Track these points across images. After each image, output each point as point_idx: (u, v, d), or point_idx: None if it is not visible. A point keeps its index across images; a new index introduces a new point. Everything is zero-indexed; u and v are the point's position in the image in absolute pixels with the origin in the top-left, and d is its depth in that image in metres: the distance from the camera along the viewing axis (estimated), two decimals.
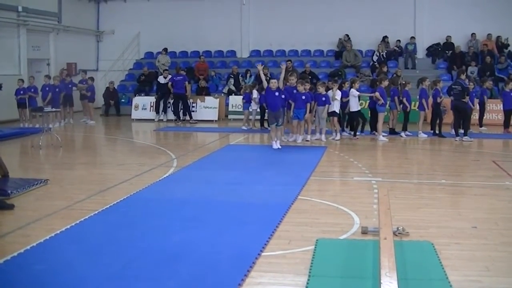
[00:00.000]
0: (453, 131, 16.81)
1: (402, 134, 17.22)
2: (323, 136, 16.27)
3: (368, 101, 18.13)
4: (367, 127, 17.60)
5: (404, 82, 17.97)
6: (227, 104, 23.36)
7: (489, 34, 24.85)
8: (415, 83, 18.10)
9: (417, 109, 17.67)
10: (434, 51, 25.75)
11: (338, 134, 16.46)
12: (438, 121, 17.17)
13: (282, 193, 9.37)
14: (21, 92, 20.41)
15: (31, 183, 10.04)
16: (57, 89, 20.85)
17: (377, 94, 16.58)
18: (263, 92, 17.82)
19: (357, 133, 16.89)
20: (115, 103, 25.13)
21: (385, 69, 21.44)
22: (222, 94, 24.10)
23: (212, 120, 22.50)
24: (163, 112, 23.13)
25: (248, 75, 24.32)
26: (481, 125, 19.04)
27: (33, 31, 24.17)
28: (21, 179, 10.34)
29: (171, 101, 22.75)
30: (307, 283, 5.49)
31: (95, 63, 29.44)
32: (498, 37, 24.83)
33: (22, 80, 20.79)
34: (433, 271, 5.80)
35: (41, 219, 7.90)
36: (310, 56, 26.90)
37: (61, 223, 7.55)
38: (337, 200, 8.90)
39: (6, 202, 8.66)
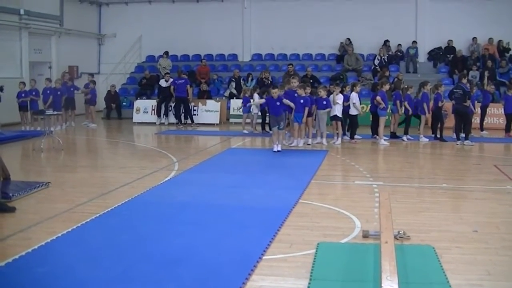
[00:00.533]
0: (454, 135, 16.82)
1: (404, 138, 17.22)
2: (324, 140, 16.28)
3: (369, 105, 18.15)
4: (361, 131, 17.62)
5: (406, 86, 17.99)
6: (228, 108, 23.39)
7: (490, 38, 24.88)
8: (417, 87, 18.10)
9: (418, 113, 17.64)
10: (435, 55, 25.77)
11: (339, 138, 16.46)
12: (439, 125, 17.17)
13: (283, 197, 9.36)
14: (23, 95, 20.42)
15: (33, 186, 10.04)
16: (58, 92, 20.87)
17: (378, 98, 16.59)
18: (265, 96, 17.90)
19: (354, 137, 16.95)
20: (117, 107, 25.15)
21: (386, 73, 21.49)
22: (224, 98, 24.13)
23: (214, 124, 22.52)
24: (164, 116, 23.17)
25: (249, 78, 24.33)
26: (482, 129, 19.04)
27: (35, 34, 24.22)
28: (23, 182, 10.35)
29: (173, 105, 22.77)
30: (308, 287, 5.49)
31: (96, 66, 29.49)
32: (500, 41, 24.87)
33: (24, 83, 20.81)
34: (434, 275, 5.80)
35: (42, 222, 7.91)
36: (312, 60, 26.94)
37: (62, 226, 7.55)
38: (338, 204, 8.90)
39: (8, 205, 8.66)
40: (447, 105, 18.05)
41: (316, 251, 6.50)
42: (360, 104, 17.46)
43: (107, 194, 9.80)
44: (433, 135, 17.32)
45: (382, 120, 16.66)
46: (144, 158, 14.64)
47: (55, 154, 14.90)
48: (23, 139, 17.72)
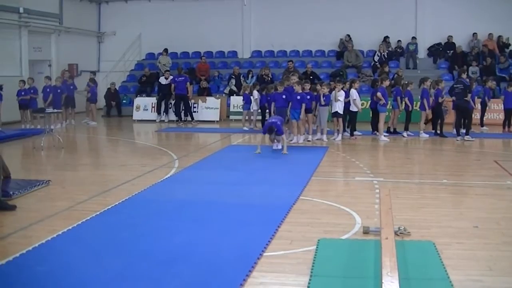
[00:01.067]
0: (454, 131, 16.82)
1: (404, 134, 17.22)
2: (324, 136, 16.29)
3: (369, 101, 18.15)
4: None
5: (407, 82, 17.98)
6: (228, 105, 23.39)
7: (490, 33, 24.85)
8: (417, 83, 18.08)
9: (418, 109, 17.65)
10: (435, 51, 25.74)
11: (340, 135, 16.46)
12: (439, 121, 17.17)
13: (284, 194, 9.36)
14: (23, 93, 20.40)
15: (33, 184, 10.05)
16: (58, 90, 20.87)
17: (379, 94, 16.60)
18: (264, 93, 17.94)
19: (354, 133, 16.96)
20: (117, 104, 25.17)
21: (386, 69, 21.47)
22: (224, 95, 24.12)
23: (214, 121, 22.52)
24: (164, 113, 23.17)
25: (249, 75, 24.34)
26: (482, 124, 19.04)
27: (35, 33, 24.21)
28: (23, 180, 10.35)
29: (173, 102, 22.77)
30: (309, 283, 5.49)
31: (96, 64, 29.48)
32: (499, 36, 24.83)
33: (24, 82, 20.78)
34: (434, 271, 5.80)
35: (43, 220, 7.91)
36: (312, 56, 26.91)
37: (62, 224, 7.55)
38: (338, 200, 8.90)
39: (8, 203, 8.66)
40: (447, 100, 18.02)
41: (317, 247, 6.50)
42: (360, 100, 17.45)
43: (108, 192, 9.80)
44: (433, 131, 17.33)
45: (382, 116, 16.67)
46: (144, 155, 14.64)
47: (55, 152, 14.90)
48: (23, 137, 17.74)
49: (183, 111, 22.39)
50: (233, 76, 24.40)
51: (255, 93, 19.16)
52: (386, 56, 24.70)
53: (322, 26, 26.21)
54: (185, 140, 18.35)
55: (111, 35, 29.44)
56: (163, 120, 22.98)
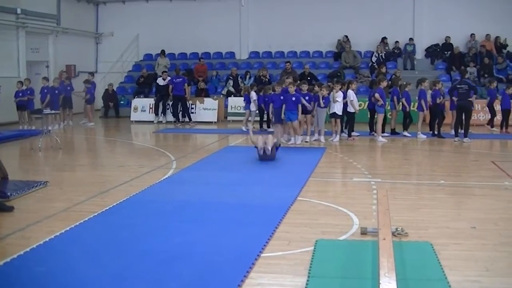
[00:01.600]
0: (452, 131, 16.84)
1: (405, 133, 17.27)
2: (322, 137, 16.28)
3: (367, 102, 18.17)
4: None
5: (405, 83, 18.00)
6: (226, 106, 23.37)
7: (487, 34, 24.89)
8: (415, 83, 18.09)
9: (416, 110, 17.67)
10: (433, 51, 25.77)
11: (337, 136, 16.47)
12: (437, 122, 17.19)
13: (282, 194, 9.37)
14: (20, 94, 20.38)
15: (31, 185, 10.04)
16: (56, 91, 20.85)
17: (377, 95, 16.62)
18: (262, 94, 17.95)
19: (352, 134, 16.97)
20: (114, 105, 25.16)
21: (383, 69, 21.47)
22: (221, 96, 24.09)
23: (211, 122, 22.52)
24: (162, 114, 23.15)
25: (247, 76, 24.35)
26: (492, 125, 18.90)
27: (32, 33, 24.21)
28: (21, 181, 10.34)
29: (170, 103, 22.76)
30: (307, 284, 5.49)
31: (94, 65, 29.48)
32: (497, 37, 24.86)
33: (22, 83, 20.75)
34: (432, 272, 5.81)
35: (41, 221, 7.91)
36: (309, 57, 26.94)
37: (61, 225, 7.55)
38: (336, 201, 8.91)
39: (6, 204, 8.65)
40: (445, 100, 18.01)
41: (315, 248, 6.51)
42: (358, 101, 17.47)
43: (106, 192, 9.80)
44: (431, 132, 17.35)
45: (380, 117, 16.69)
46: (142, 156, 14.65)
47: (53, 153, 14.89)
48: (21, 138, 17.71)
49: (180, 112, 22.38)
50: (231, 77, 24.40)
51: (253, 94, 19.16)
52: (383, 57, 24.72)
53: (320, 27, 26.25)
54: (183, 141, 18.35)
55: (109, 36, 29.45)
56: (161, 121, 22.96)
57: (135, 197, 9.30)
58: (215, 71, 26.26)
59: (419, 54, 25.90)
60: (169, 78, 22.81)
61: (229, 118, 23.10)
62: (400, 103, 17.50)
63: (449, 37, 25.29)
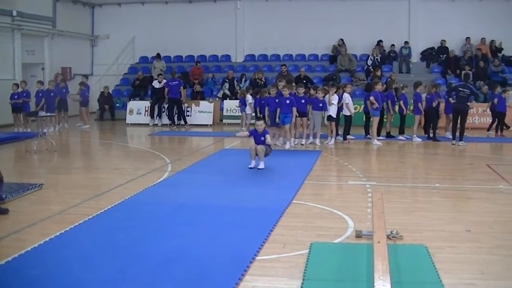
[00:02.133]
0: (447, 135, 16.87)
1: (401, 137, 17.30)
2: (317, 140, 16.29)
3: (363, 105, 18.18)
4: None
5: (402, 86, 18.04)
6: (222, 109, 23.39)
7: (483, 38, 24.98)
8: (412, 87, 18.10)
9: (411, 113, 17.69)
10: (428, 55, 25.85)
11: (333, 139, 16.48)
12: (432, 125, 17.22)
13: (277, 197, 9.37)
14: (16, 96, 20.37)
15: (26, 187, 10.02)
16: (52, 94, 20.82)
17: (372, 98, 16.64)
18: (258, 97, 17.94)
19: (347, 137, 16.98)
20: (110, 108, 25.14)
21: (378, 73, 21.51)
22: (217, 99, 24.09)
23: (207, 125, 22.51)
24: (157, 117, 23.15)
25: (243, 79, 24.37)
26: (501, 130, 18.87)
27: (28, 36, 24.18)
28: (16, 184, 10.32)
29: (166, 106, 22.76)
30: (301, 287, 5.50)
31: (89, 68, 29.45)
32: (492, 41, 24.94)
33: (17, 85, 20.73)
34: (427, 275, 5.81)
35: (36, 223, 7.89)
36: (305, 60, 26.97)
37: (56, 228, 7.54)
38: (331, 204, 8.92)
39: (1, 206, 8.62)
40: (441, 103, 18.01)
41: (309, 251, 6.51)
42: (353, 104, 17.50)
43: (101, 195, 9.79)
44: (426, 135, 17.37)
45: (375, 120, 16.71)
46: (137, 159, 14.63)
47: (48, 156, 14.86)
48: (16, 140, 17.68)
49: (176, 115, 22.37)
50: (227, 80, 24.42)
51: (249, 97, 19.16)
52: (379, 60, 24.76)
53: (316, 30, 26.32)
54: (178, 144, 18.35)
55: (105, 39, 29.42)
56: (156, 124, 22.96)
57: (130, 200, 9.29)
58: (211, 74, 26.32)
59: (415, 58, 25.99)
60: (164, 80, 22.82)
61: (224, 121, 23.12)
62: (396, 106, 17.53)
63: (444, 40, 25.38)
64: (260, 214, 8.30)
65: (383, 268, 4.78)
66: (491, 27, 24.66)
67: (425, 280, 5.70)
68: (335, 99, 16.42)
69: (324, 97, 16.42)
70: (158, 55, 26.54)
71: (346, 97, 16.81)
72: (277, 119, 15.77)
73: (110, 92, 25.71)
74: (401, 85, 18.25)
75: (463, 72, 22.39)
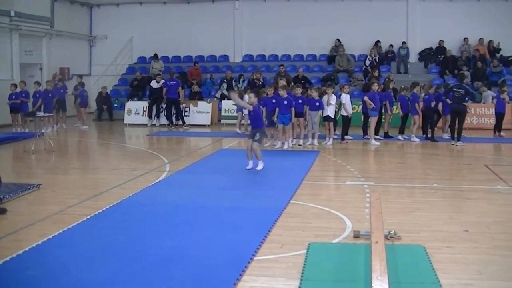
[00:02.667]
0: (445, 135, 16.89)
1: (400, 137, 17.30)
2: (315, 141, 16.28)
3: (361, 106, 18.19)
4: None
5: (402, 86, 18.05)
6: (220, 109, 23.39)
7: (480, 38, 24.99)
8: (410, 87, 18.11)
9: (409, 114, 17.70)
10: (426, 55, 25.86)
11: (331, 139, 16.47)
12: (429, 126, 17.24)
13: (275, 197, 9.38)
14: (14, 97, 20.33)
15: (24, 188, 10.02)
16: (50, 94, 20.78)
17: (365, 98, 16.72)
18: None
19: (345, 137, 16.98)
20: (108, 108, 25.12)
21: (376, 73, 21.52)
22: (215, 99, 24.09)
23: (205, 125, 22.50)
24: (156, 117, 23.13)
25: (241, 80, 24.37)
26: (500, 130, 18.87)
27: (26, 36, 24.15)
28: (14, 184, 10.30)
29: (164, 106, 22.74)
30: (299, 287, 5.50)
31: (88, 68, 29.41)
32: (490, 41, 24.95)
33: (15, 85, 20.71)
34: (424, 275, 5.82)
35: (33, 224, 7.88)
36: (303, 60, 26.95)
37: (53, 228, 7.54)
38: (329, 204, 8.92)
39: None
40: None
41: (307, 251, 6.51)
42: (352, 105, 17.50)
43: (99, 195, 9.78)
44: (424, 136, 17.39)
45: (373, 121, 16.71)
46: (135, 159, 14.62)
47: (46, 156, 14.85)
48: (14, 141, 17.66)
49: (174, 115, 22.37)
50: (225, 80, 24.41)
51: (246, 97, 19.12)
52: (377, 60, 24.77)
53: (314, 30, 26.31)
54: (176, 144, 18.34)
55: (103, 39, 29.39)
56: (155, 124, 22.94)
57: (128, 200, 9.29)
58: (209, 74, 26.29)
59: (413, 58, 26.01)
60: (163, 81, 22.80)
61: (222, 121, 23.12)
62: (393, 107, 17.54)
63: (442, 41, 25.41)
64: (258, 214, 8.30)
65: (381, 268, 4.78)
66: (489, 28, 24.66)
67: (423, 280, 5.71)
68: (333, 99, 16.43)
69: (320, 97, 16.38)
70: (155, 56, 26.53)
71: (344, 97, 16.81)
72: (274, 118, 15.71)
73: (108, 92, 25.70)
74: (402, 86, 18.24)
75: (460, 72, 22.40)
